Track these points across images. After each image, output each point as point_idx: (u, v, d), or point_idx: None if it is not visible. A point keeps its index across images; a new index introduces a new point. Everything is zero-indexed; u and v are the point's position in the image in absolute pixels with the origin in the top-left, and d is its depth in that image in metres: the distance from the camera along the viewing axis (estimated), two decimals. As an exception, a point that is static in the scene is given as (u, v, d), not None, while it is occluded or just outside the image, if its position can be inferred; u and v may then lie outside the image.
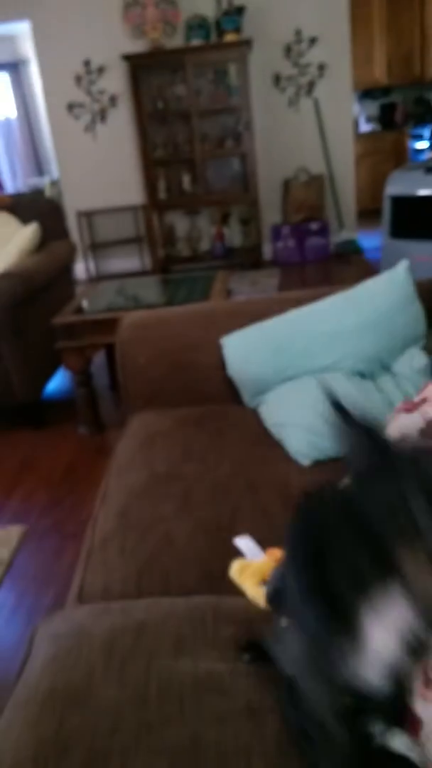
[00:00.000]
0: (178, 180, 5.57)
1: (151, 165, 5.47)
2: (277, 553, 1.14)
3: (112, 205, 5.77)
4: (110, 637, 1.00)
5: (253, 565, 1.14)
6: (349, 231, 5.83)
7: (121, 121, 5.57)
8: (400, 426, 1.10)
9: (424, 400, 1.10)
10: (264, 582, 1.08)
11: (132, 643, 0.99)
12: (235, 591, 1.12)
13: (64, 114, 5.60)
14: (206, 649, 0.97)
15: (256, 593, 1.09)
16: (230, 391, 1.83)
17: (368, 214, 6.11)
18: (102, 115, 5.58)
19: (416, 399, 1.13)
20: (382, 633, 0.58)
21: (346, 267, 5.24)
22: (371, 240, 5.65)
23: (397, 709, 0.72)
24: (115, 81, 5.48)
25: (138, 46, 5.31)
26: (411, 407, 1.11)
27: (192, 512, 1.34)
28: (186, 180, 5.55)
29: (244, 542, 1.22)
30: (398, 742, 0.80)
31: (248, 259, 5.65)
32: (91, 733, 0.85)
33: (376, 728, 0.80)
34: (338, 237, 5.75)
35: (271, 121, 5.55)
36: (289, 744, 0.81)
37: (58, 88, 5.53)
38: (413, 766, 0.79)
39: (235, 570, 1.15)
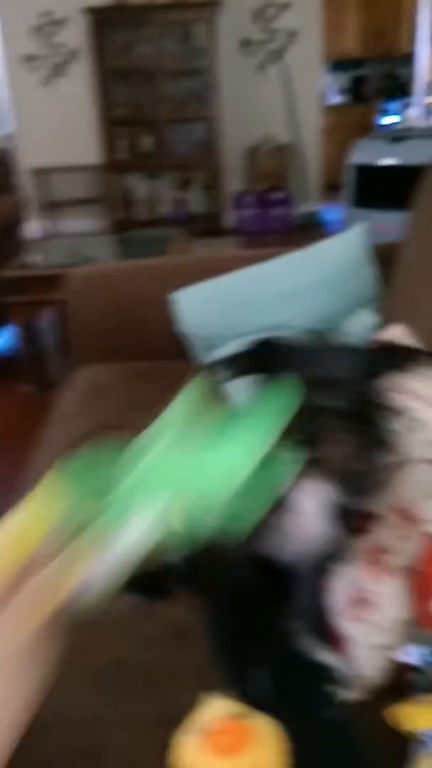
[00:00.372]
0: (139, 141, 5.46)
1: (112, 124, 5.34)
2: None
3: (70, 163, 5.61)
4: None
5: None
6: (312, 203, 5.82)
7: (82, 77, 5.39)
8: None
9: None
10: None
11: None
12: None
13: (19, 66, 5.39)
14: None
15: None
16: (179, 347, 1.81)
17: (333, 188, 6.08)
18: (61, 69, 5.40)
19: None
20: (309, 504, 0.66)
21: (308, 239, 5.18)
22: (334, 213, 5.64)
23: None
24: (77, 35, 5.28)
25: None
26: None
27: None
28: (147, 142, 5.44)
29: None
30: (325, 656, 0.82)
31: (209, 227, 5.59)
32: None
33: (303, 642, 0.81)
34: (301, 208, 5.73)
35: (238, 87, 5.46)
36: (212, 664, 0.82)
37: (15, 39, 5.32)
38: (336, 677, 0.80)
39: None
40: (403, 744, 0.70)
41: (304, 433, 0.59)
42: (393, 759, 0.71)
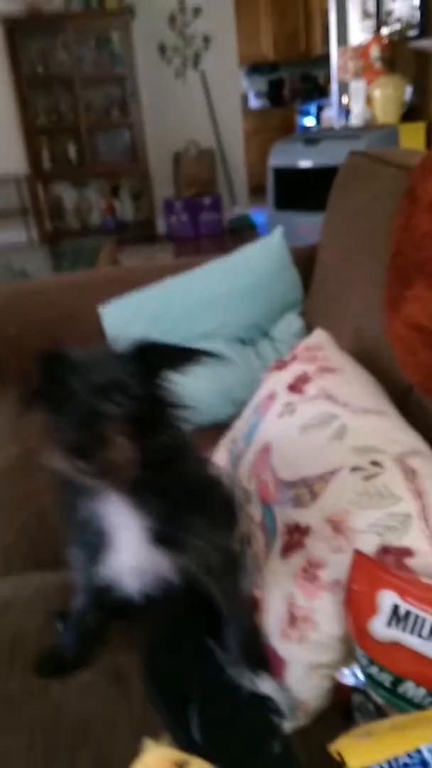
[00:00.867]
0: (64, 150, 5.38)
1: (34, 133, 5.24)
2: None
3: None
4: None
5: None
6: (241, 206, 5.85)
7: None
8: (271, 383, 1.10)
9: (294, 357, 1.10)
10: None
11: (-4, 622, 0.94)
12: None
13: None
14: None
15: None
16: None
17: (261, 190, 6.14)
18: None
19: (287, 358, 1.14)
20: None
21: (240, 242, 5.20)
22: (264, 216, 5.70)
23: None
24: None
25: (13, 6, 5.00)
26: (281, 365, 1.11)
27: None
28: (72, 150, 5.36)
29: None
30: (264, 685, 0.81)
31: (141, 234, 5.55)
32: None
33: (239, 673, 0.80)
34: (231, 212, 5.76)
35: (159, 93, 5.44)
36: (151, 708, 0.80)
37: None
38: (275, 707, 0.80)
39: None
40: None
41: (87, 440, 0.64)
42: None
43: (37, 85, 5.18)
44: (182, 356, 0.79)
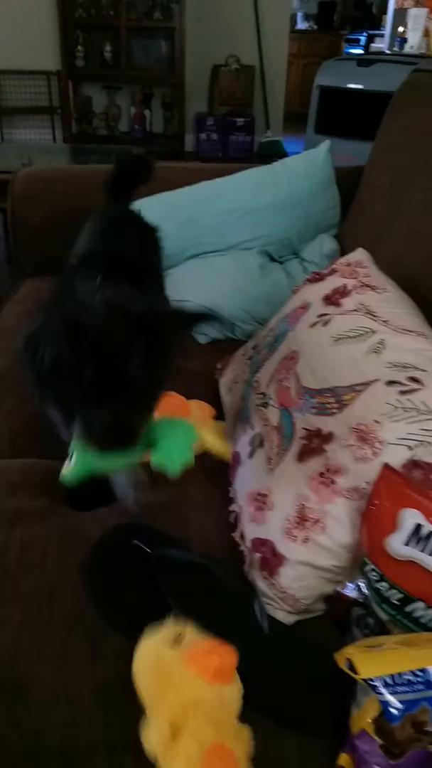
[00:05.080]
0: (99, 48, 5.11)
1: (70, 27, 4.96)
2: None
3: (23, 67, 5.22)
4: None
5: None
6: (274, 132, 5.64)
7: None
8: (304, 294, 1.06)
9: (332, 271, 1.05)
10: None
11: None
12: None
13: None
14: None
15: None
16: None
17: (295, 118, 5.91)
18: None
19: (324, 271, 1.09)
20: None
21: (268, 169, 5.07)
22: (295, 145, 5.50)
23: None
24: None
25: None
26: (318, 277, 1.07)
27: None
28: (107, 50, 5.10)
29: None
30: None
31: (168, 148, 5.35)
32: None
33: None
34: (263, 137, 5.56)
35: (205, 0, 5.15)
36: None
37: None
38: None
39: None
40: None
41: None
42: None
43: (80, -25, 4.88)
44: (187, 322, 0.85)
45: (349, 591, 0.81)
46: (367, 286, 0.99)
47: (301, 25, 7.42)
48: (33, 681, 0.70)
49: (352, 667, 0.68)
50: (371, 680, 0.67)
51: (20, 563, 0.82)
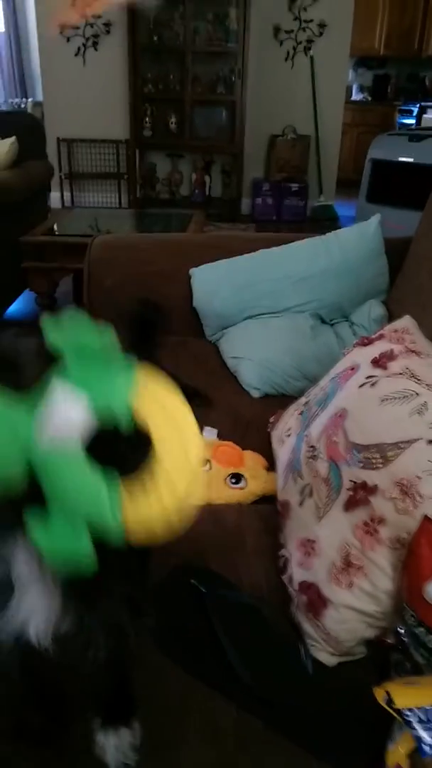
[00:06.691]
0: (165, 120, 5.46)
1: (140, 100, 5.33)
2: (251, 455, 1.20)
3: (95, 136, 5.61)
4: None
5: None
6: (327, 197, 5.83)
7: (114, 50, 5.36)
8: (354, 356, 1.15)
9: (380, 336, 1.14)
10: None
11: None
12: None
13: (55, 34, 5.37)
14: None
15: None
16: (194, 324, 1.85)
17: (347, 184, 6.11)
18: (94, 41, 5.38)
19: (373, 336, 1.18)
20: None
21: (320, 232, 5.21)
22: (347, 209, 5.67)
23: None
24: (112, 8, 5.25)
25: (137, -24, 5.10)
26: (367, 342, 1.15)
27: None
28: (173, 120, 5.44)
29: (208, 432, 1.28)
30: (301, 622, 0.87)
31: (226, 211, 5.60)
32: None
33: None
34: (316, 201, 5.75)
35: (266, 73, 5.45)
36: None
37: (52, 8, 5.28)
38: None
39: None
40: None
41: None
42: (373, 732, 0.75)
43: (150, 54, 5.26)
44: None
45: (390, 636, 0.87)
46: (413, 351, 1.07)
47: (356, 96, 7.71)
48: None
49: (389, 703, 0.74)
50: (406, 715, 0.72)
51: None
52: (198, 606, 0.88)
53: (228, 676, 0.82)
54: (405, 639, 0.83)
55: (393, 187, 3.42)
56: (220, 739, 0.77)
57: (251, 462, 1.25)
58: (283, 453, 1.21)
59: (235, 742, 0.77)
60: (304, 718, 0.80)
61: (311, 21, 5.31)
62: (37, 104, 5.78)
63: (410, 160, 3.35)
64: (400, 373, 1.02)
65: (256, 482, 1.21)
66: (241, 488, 1.20)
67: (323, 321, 1.73)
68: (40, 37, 5.47)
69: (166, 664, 0.84)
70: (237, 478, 1.22)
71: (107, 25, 5.31)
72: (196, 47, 5.19)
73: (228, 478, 1.21)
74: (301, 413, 1.23)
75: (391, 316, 1.57)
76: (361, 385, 1.06)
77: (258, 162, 5.77)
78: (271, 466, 1.25)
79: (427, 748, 0.71)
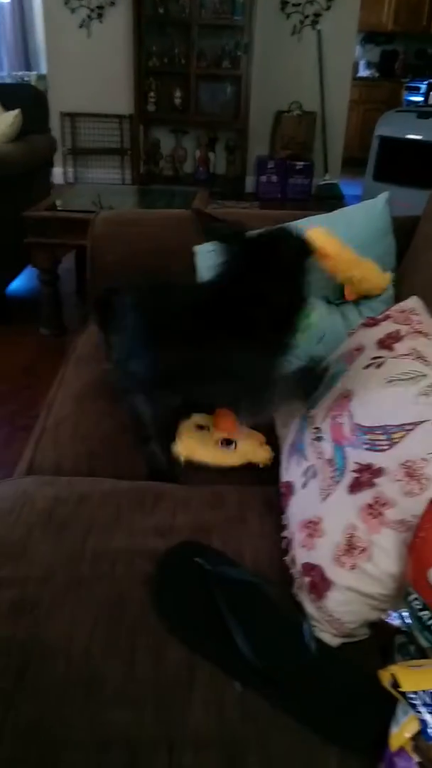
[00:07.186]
0: (169, 94, 5.38)
1: (144, 74, 5.25)
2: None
3: (99, 110, 5.53)
4: (52, 504, 1.03)
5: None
6: (332, 175, 5.77)
7: (118, 22, 5.27)
8: (359, 337, 1.13)
9: (386, 317, 1.12)
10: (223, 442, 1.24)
11: (72, 510, 1.02)
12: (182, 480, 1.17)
13: (59, 5, 5.27)
14: (143, 522, 1.01)
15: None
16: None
17: (353, 162, 6.03)
18: (99, 12, 5.28)
19: (380, 316, 1.16)
20: None
21: (325, 210, 5.14)
22: (352, 188, 5.61)
23: None
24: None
25: None
26: (373, 322, 1.14)
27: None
28: (177, 96, 5.36)
29: None
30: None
31: (230, 189, 5.54)
32: (22, 582, 0.88)
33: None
34: (321, 180, 5.69)
35: (272, 48, 5.36)
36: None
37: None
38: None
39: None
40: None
41: None
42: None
43: (155, 27, 5.17)
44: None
45: (393, 619, 0.86)
46: (419, 332, 1.06)
47: (363, 72, 7.59)
48: (103, 678, 0.77)
49: (394, 686, 0.73)
50: (411, 698, 0.72)
51: (92, 572, 0.90)
52: (202, 583, 0.88)
53: (233, 654, 0.81)
54: (409, 622, 0.82)
55: (401, 165, 3.38)
56: (226, 713, 0.77)
57: (247, 432, 1.26)
58: (286, 434, 1.20)
59: (241, 717, 0.77)
60: (307, 697, 0.79)
61: (319, -6, 5.21)
62: (41, 77, 5.68)
63: (419, 137, 3.29)
64: (407, 354, 1.01)
65: (245, 449, 1.24)
66: (230, 451, 1.25)
67: (329, 301, 1.70)
68: (44, 7, 5.36)
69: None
70: (228, 442, 1.25)
71: (112, -4, 5.21)
72: (202, 20, 5.09)
73: (220, 440, 1.25)
74: (305, 394, 1.22)
75: (398, 296, 1.55)
76: (367, 366, 1.05)
77: (263, 139, 5.70)
78: (275, 448, 1.24)
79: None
